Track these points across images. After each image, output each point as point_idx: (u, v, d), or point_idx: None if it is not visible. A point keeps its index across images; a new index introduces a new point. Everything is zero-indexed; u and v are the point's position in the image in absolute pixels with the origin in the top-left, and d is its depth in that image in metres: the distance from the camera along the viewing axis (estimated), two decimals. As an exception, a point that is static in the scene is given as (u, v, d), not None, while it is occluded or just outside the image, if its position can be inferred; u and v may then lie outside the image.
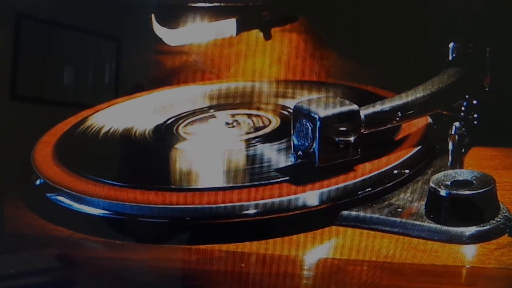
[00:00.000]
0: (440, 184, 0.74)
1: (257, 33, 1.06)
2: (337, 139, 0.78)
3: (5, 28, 0.97)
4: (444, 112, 0.91)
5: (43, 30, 1.01)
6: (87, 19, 1.03)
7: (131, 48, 1.06)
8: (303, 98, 0.81)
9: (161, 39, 1.00)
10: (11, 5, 0.98)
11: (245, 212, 0.75)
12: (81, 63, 1.05)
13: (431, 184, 0.74)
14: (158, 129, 0.94)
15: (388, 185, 0.80)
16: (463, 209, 0.72)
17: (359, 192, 0.78)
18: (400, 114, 0.82)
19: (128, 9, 1.03)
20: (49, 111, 1.01)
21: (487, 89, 0.93)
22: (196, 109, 1.00)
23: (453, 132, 0.82)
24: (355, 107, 0.79)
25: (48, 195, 0.81)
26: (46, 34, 1.02)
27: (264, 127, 0.92)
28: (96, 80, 1.06)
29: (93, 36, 1.05)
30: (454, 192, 0.73)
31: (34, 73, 1.01)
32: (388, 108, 0.81)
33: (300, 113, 0.78)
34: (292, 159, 0.79)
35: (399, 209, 0.76)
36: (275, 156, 0.84)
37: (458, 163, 0.83)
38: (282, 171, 0.80)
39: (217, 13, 1.01)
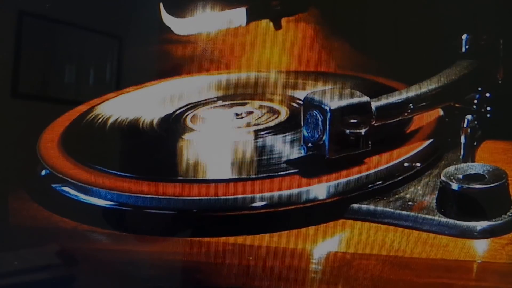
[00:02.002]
0: (451, 177, 0.73)
1: (267, 23, 1.05)
2: (347, 131, 0.77)
3: (6, 25, 0.97)
4: (457, 105, 0.91)
5: (44, 27, 1.01)
6: (88, 16, 1.02)
7: (134, 44, 1.06)
8: (313, 89, 0.80)
9: (169, 28, 1.00)
10: (12, 2, 0.97)
11: (254, 204, 0.75)
12: (83, 60, 1.05)
13: (443, 178, 0.74)
14: (166, 119, 0.93)
15: (399, 178, 0.79)
16: (475, 203, 0.72)
17: (370, 185, 0.77)
18: (411, 106, 0.81)
19: (132, 3, 1.02)
20: (51, 109, 1.00)
21: (500, 81, 0.92)
22: (204, 100, 0.99)
23: (465, 125, 0.82)
24: (366, 98, 0.78)
25: (54, 186, 0.81)
26: (48, 32, 1.01)
27: (274, 118, 0.91)
28: (98, 77, 1.06)
29: (95, 32, 1.05)
30: (466, 186, 0.72)
31: (36, 71, 1.01)
32: (399, 100, 0.81)
33: (310, 104, 0.78)
34: (302, 151, 0.79)
35: (410, 203, 0.76)
36: (285, 148, 0.84)
37: (470, 156, 0.82)
38: (292, 163, 0.80)
39: (227, 2, 1.00)
